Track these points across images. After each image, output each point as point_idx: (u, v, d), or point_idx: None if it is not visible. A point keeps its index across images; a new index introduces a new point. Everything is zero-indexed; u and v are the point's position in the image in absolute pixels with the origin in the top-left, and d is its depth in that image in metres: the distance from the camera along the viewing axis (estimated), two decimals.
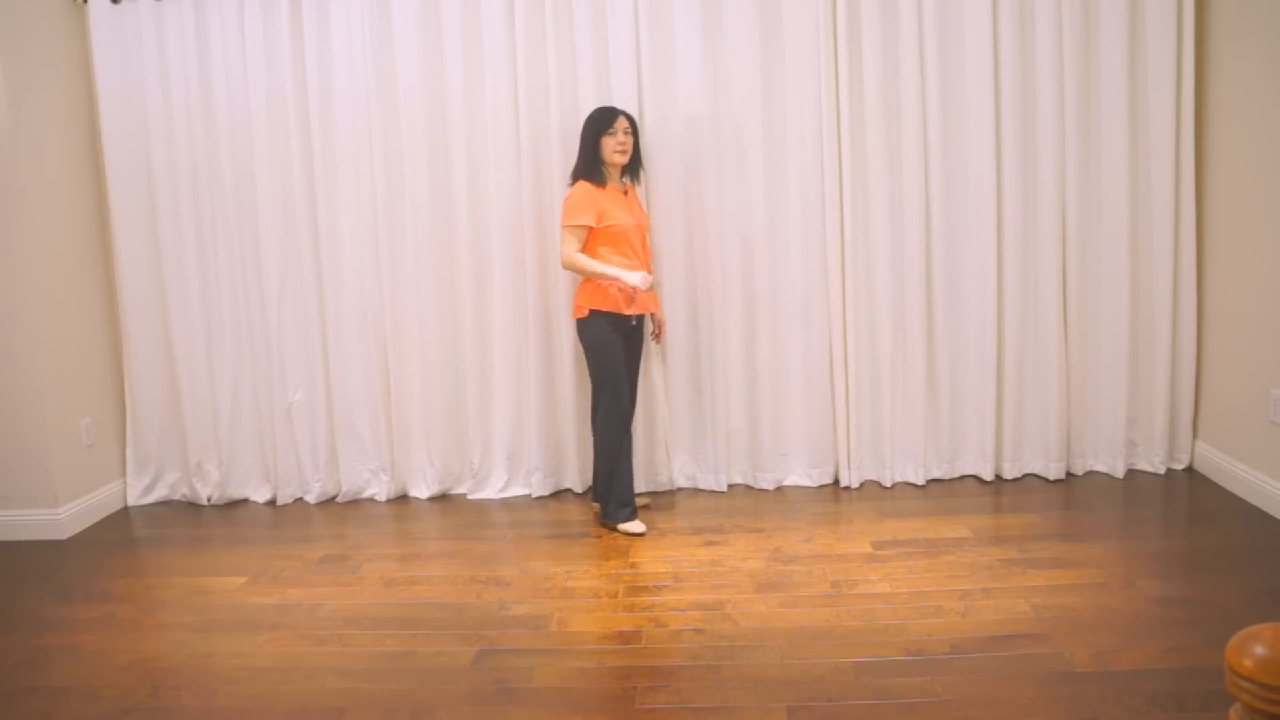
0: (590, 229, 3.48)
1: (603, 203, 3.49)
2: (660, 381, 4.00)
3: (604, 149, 3.53)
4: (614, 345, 3.53)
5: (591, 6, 3.80)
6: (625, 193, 3.64)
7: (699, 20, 3.79)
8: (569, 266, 3.51)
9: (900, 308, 3.92)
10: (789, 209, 3.89)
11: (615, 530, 3.61)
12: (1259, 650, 1.06)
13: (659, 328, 3.87)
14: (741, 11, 3.79)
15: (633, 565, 3.31)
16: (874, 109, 3.80)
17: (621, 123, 3.53)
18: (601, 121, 3.53)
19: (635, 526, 3.60)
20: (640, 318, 3.66)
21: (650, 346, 3.93)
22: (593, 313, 3.50)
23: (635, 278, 3.44)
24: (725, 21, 3.80)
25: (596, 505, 3.80)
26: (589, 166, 3.54)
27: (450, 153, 3.94)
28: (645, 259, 3.65)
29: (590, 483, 4.00)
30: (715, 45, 3.83)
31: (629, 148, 3.56)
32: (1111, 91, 3.75)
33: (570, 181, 3.58)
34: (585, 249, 3.51)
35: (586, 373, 3.72)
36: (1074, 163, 3.79)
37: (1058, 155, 3.79)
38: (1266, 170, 3.42)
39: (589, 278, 3.50)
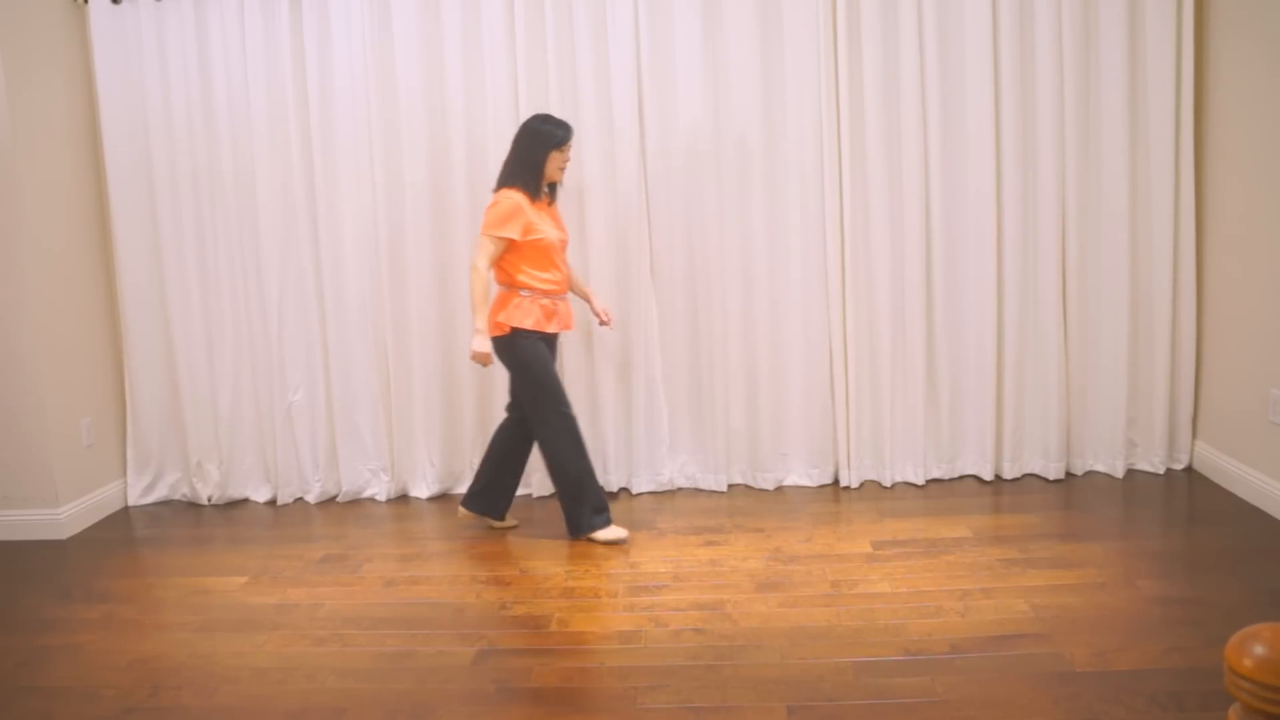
0: (512, 242, 3.35)
1: (530, 216, 3.36)
2: (660, 381, 4.00)
3: (550, 164, 3.42)
4: (543, 354, 3.41)
5: (591, 11, 3.80)
6: (548, 205, 3.53)
7: (699, 26, 3.79)
8: (471, 275, 3.34)
9: (900, 308, 3.92)
10: (789, 211, 3.89)
11: (592, 540, 3.50)
12: (1259, 650, 1.06)
13: (604, 315, 3.68)
14: (741, 17, 3.78)
15: (633, 565, 3.31)
16: (874, 111, 3.79)
17: (571, 141, 3.45)
18: (557, 137, 3.40)
19: (615, 533, 3.49)
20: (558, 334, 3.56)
21: (651, 344, 3.93)
22: (514, 330, 3.37)
23: (476, 343, 3.32)
24: (725, 27, 3.80)
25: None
26: (530, 177, 3.39)
27: (450, 154, 3.94)
28: (567, 273, 3.53)
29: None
30: (715, 51, 3.83)
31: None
32: (1111, 92, 3.75)
33: (499, 187, 3.41)
34: (505, 261, 3.38)
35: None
36: (1074, 163, 3.79)
37: (1057, 156, 3.78)
38: (1266, 170, 3.42)
39: (473, 297, 3.33)
